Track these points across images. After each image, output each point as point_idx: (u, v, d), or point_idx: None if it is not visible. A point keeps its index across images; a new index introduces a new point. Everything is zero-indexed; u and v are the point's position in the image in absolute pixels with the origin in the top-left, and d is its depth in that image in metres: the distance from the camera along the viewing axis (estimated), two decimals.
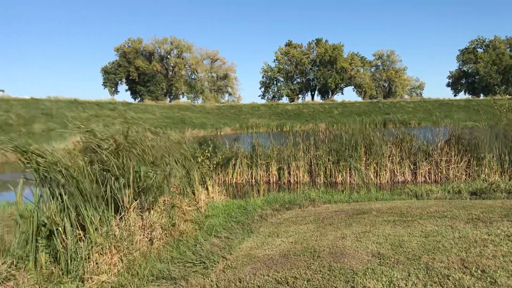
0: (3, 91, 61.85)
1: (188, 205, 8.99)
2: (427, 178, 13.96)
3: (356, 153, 14.24)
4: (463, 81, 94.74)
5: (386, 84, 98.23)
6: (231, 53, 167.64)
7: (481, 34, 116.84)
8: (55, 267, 5.60)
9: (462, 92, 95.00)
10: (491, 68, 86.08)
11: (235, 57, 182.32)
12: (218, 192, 11.18)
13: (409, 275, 4.64)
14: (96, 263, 5.68)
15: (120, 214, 6.87)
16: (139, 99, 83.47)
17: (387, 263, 5.04)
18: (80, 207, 6.08)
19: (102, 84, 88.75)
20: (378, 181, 14.08)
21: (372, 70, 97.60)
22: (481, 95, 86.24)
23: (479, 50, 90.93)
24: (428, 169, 14.03)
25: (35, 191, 6.19)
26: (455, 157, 13.78)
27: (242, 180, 15.36)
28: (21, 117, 41.85)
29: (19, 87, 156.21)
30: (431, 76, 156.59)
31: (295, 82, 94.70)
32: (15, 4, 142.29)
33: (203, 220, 8.35)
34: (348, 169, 14.28)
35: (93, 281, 5.35)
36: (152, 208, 7.40)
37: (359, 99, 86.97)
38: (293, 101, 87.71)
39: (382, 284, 4.47)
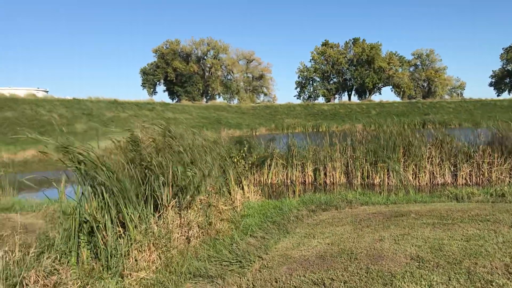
0: (46, 91, 64.21)
1: (224, 204, 9.07)
2: (468, 180, 13.55)
3: (394, 154, 13.98)
4: (507, 80, 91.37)
5: (425, 84, 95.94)
6: (267, 53, 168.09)
7: None
8: (96, 263, 5.75)
9: (506, 92, 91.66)
10: None
11: (271, 57, 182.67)
12: (254, 192, 11.21)
13: (449, 280, 4.52)
14: (135, 260, 5.80)
15: (159, 212, 7.00)
16: (176, 100, 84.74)
17: (427, 266, 4.94)
18: (121, 205, 6.23)
19: (141, 85, 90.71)
20: (417, 183, 13.78)
21: (411, 69, 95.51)
22: None
23: None
24: (469, 171, 13.62)
25: (77, 188, 6.39)
26: (498, 159, 13.31)
27: (277, 181, 15.34)
28: (64, 117, 43.24)
29: (62, 87, 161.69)
30: (472, 76, 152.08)
31: (331, 82, 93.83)
32: (58, 8, 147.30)
33: (239, 220, 8.39)
34: (386, 170, 14.04)
35: (132, 278, 5.47)
36: (190, 207, 7.51)
37: (397, 99, 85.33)
38: (329, 101, 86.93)
39: None
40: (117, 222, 6.22)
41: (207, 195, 8.28)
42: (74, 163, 6.22)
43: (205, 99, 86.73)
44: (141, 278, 5.45)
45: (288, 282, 4.87)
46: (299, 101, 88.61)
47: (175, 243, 6.62)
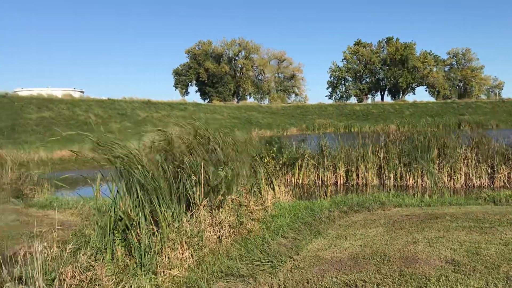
0: (82, 92, 65.93)
1: (255, 204, 9.08)
2: (506, 183, 13.13)
3: (429, 156, 13.68)
4: None
5: (461, 84, 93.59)
6: (298, 53, 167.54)
7: None
8: (129, 260, 5.86)
9: None
10: None
11: (302, 57, 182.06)
12: (285, 192, 11.19)
13: (487, 285, 4.40)
14: (168, 258, 5.88)
15: (191, 211, 7.08)
16: (208, 100, 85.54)
17: (463, 270, 4.82)
18: (154, 203, 6.33)
19: (174, 86, 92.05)
20: (452, 185, 13.45)
21: (446, 69, 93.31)
22: None
23: None
24: (508, 173, 13.19)
25: (111, 186, 6.53)
26: None
27: (308, 181, 15.27)
28: (99, 117, 44.27)
29: (97, 88, 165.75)
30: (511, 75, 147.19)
31: (364, 81, 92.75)
32: (94, 10, 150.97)
33: (269, 220, 8.40)
34: (420, 172, 13.77)
35: (165, 275, 5.54)
36: (221, 206, 7.56)
37: (432, 99, 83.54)
38: (361, 101, 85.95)
39: None
40: (150, 220, 6.31)
41: (238, 194, 8.32)
42: (111, 161, 6.34)
43: (236, 100, 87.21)
44: (173, 276, 5.52)
45: (320, 283, 4.84)
46: (330, 101, 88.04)
47: (207, 242, 6.67)
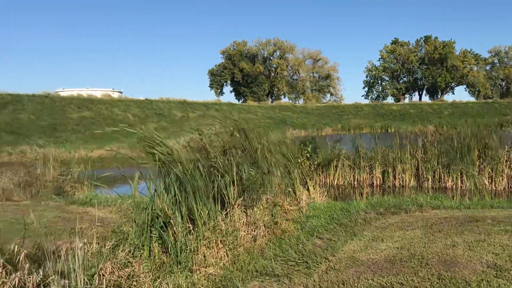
0: (121, 92, 67.46)
1: (290, 204, 9.06)
2: None
3: (469, 157, 13.28)
4: None
5: (503, 83, 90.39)
6: (334, 52, 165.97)
7: None
8: (166, 257, 5.95)
9: None
10: None
11: (338, 56, 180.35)
12: (320, 193, 11.11)
13: None
14: (204, 256, 5.95)
15: (226, 210, 7.13)
16: (242, 100, 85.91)
17: (505, 276, 4.65)
18: (191, 202, 6.40)
19: (209, 86, 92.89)
20: (493, 188, 13.01)
21: (487, 68, 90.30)
22: None
23: None
24: None
25: (149, 185, 6.65)
26: None
27: (343, 182, 15.10)
28: (137, 117, 45.18)
29: (135, 88, 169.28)
30: None
31: (401, 81, 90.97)
32: (130, 12, 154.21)
33: (304, 220, 8.36)
34: (459, 173, 13.39)
35: (200, 273, 5.60)
36: (256, 206, 7.58)
37: (472, 99, 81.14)
38: (399, 101, 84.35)
39: None
40: (186, 219, 6.39)
41: (273, 194, 8.31)
42: (152, 159, 6.46)
43: (270, 99, 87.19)
44: (209, 274, 5.57)
45: (356, 285, 4.78)
46: (367, 101, 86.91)
47: (242, 241, 6.71)
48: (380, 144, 15.59)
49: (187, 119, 48.46)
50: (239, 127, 8.36)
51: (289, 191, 9.55)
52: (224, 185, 7.20)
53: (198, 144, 7.81)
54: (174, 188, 6.39)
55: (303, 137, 16.47)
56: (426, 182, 13.98)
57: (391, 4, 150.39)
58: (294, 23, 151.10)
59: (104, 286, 4.74)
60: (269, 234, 7.29)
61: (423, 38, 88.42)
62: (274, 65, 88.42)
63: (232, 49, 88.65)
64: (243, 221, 7.12)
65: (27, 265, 4.51)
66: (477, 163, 13.32)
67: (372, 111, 68.46)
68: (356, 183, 15.02)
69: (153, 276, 5.31)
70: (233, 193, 7.30)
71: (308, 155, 12.21)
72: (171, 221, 6.22)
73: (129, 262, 5.44)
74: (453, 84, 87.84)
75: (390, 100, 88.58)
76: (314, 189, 11.00)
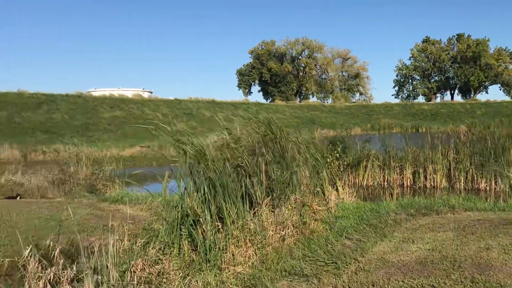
0: (151, 92, 68.47)
1: (318, 204, 9.01)
2: None
3: (503, 158, 12.91)
4: None
5: None
6: (363, 51, 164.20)
7: None
8: (195, 255, 6.02)
9: None
10: None
11: (367, 55, 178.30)
12: (349, 193, 11.01)
13: None
14: (233, 255, 5.98)
15: (254, 209, 7.15)
16: (270, 100, 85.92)
17: None
18: (220, 200, 6.45)
19: (237, 86, 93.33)
20: None
21: None
22: None
23: None
24: None
25: (179, 183, 6.74)
26: None
27: (373, 183, 14.93)
28: (167, 116, 45.76)
29: (165, 88, 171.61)
30: None
31: (432, 80, 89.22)
32: (159, 13, 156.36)
33: (333, 221, 8.30)
34: (493, 175, 13.03)
35: (229, 271, 5.64)
36: (284, 206, 7.58)
37: (507, 98, 78.79)
38: (430, 100, 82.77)
39: None
40: (215, 217, 6.44)
41: (301, 194, 8.29)
42: (183, 157, 6.53)
43: (298, 99, 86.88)
44: (237, 272, 5.60)
45: (386, 286, 4.72)
46: (397, 101, 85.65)
47: (270, 241, 6.72)
48: (410, 144, 15.34)
49: (215, 119, 48.79)
50: (267, 126, 8.36)
51: (318, 191, 9.50)
52: (252, 184, 7.22)
53: (226, 143, 7.85)
54: (204, 187, 6.45)
55: (332, 137, 16.32)
56: (458, 183, 13.67)
57: (421, 2, 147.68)
58: (323, 22, 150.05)
59: (135, 282, 4.83)
60: (297, 234, 7.27)
61: (456, 36, 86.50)
62: (303, 65, 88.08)
63: (260, 48, 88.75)
64: (271, 221, 7.12)
65: (62, 260, 4.65)
66: None
67: (403, 111, 67.42)
68: (386, 183, 14.82)
69: (182, 273, 5.38)
70: (261, 192, 7.32)
71: (337, 155, 12.11)
72: (201, 219, 6.29)
73: (159, 259, 5.52)
74: (486, 83, 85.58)
75: (421, 99, 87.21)
76: (343, 189, 10.91)
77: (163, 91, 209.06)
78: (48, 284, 4.38)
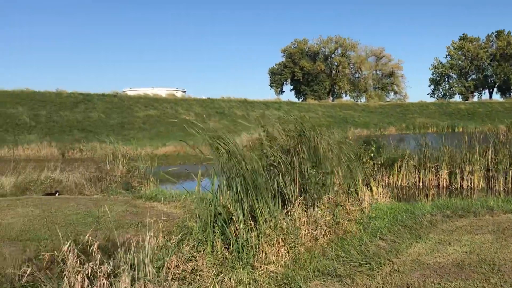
0: (184, 91, 69.33)
1: (352, 205, 8.93)
2: None
3: None
4: None
5: None
6: (398, 50, 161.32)
7: None
8: (228, 253, 6.06)
9: None
10: None
11: (402, 53, 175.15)
12: (383, 193, 10.87)
13: None
14: (265, 253, 5.99)
15: (286, 208, 7.14)
16: (302, 99, 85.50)
17: None
18: (252, 199, 6.47)
19: (269, 85, 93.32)
20: None
21: None
22: None
23: None
24: None
25: (212, 181, 6.80)
26: None
27: (408, 183, 14.67)
28: (199, 115, 46.25)
29: (198, 88, 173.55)
30: None
31: (469, 78, 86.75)
32: (191, 13, 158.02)
33: (367, 221, 8.22)
34: None
35: (262, 270, 5.65)
36: (317, 205, 7.54)
37: None
38: (467, 99, 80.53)
39: None
40: (248, 216, 6.47)
41: (334, 194, 8.23)
42: (217, 155, 6.58)
43: (331, 98, 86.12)
44: (270, 271, 5.61)
45: None
46: (433, 99, 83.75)
47: (303, 240, 6.70)
48: (446, 144, 14.99)
49: (248, 118, 48.95)
50: (301, 126, 8.33)
51: (352, 191, 9.41)
52: (285, 183, 7.22)
53: (260, 142, 7.87)
54: (236, 185, 6.48)
55: (366, 137, 16.13)
56: (497, 184, 13.28)
57: None
58: (357, 20, 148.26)
59: (170, 279, 4.91)
60: (330, 234, 7.22)
61: (495, 33, 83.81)
62: (336, 63, 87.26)
63: (293, 47, 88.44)
64: (304, 220, 7.10)
65: (99, 255, 4.76)
66: None
67: (438, 110, 65.90)
68: (421, 184, 14.54)
69: (216, 271, 5.42)
70: (294, 191, 7.31)
71: (371, 154, 11.96)
72: (233, 217, 6.32)
73: (193, 256, 5.58)
74: None
75: (457, 98, 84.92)
76: (377, 189, 10.78)
77: (196, 91, 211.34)
78: (86, 278, 4.49)
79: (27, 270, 4.68)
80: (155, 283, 4.59)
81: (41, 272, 4.76)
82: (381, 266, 5.45)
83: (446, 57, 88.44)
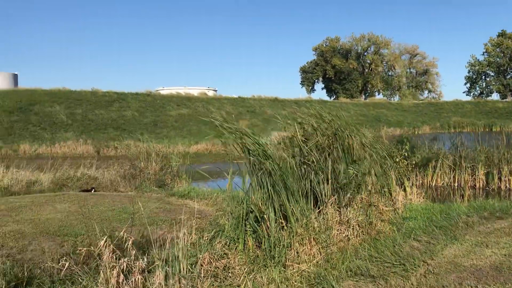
0: (215, 90, 69.81)
1: (385, 205, 8.80)
2: None
3: None
4: None
5: None
6: (432, 47, 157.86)
7: None
8: (260, 251, 6.07)
9: None
10: None
11: (437, 51, 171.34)
12: (417, 194, 10.68)
13: None
14: (297, 252, 5.98)
15: (319, 208, 7.10)
16: (334, 97, 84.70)
17: None
18: (283, 198, 6.47)
19: (300, 83, 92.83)
20: None
21: None
22: None
23: None
24: None
25: (243, 180, 6.83)
26: None
27: (442, 183, 14.35)
28: (230, 114, 46.48)
29: (229, 87, 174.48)
30: None
31: (508, 76, 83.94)
32: (222, 13, 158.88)
33: (400, 222, 8.09)
34: None
35: (293, 269, 5.64)
36: (350, 205, 7.47)
37: None
38: (505, 98, 78.04)
39: None
40: (279, 214, 6.46)
41: (367, 194, 8.13)
42: (247, 154, 6.61)
43: (363, 96, 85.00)
44: (302, 270, 5.59)
45: None
46: (468, 98, 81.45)
47: (335, 240, 6.65)
48: (483, 143, 14.58)
49: (279, 117, 48.88)
50: (336, 124, 8.26)
51: (385, 191, 9.28)
52: (318, 182, 7.18)
53: (292, 140, 7.86)
54: (267, 184, 6.48)
55: (400, 136, 15.85)
56: None
57: None
58: (390, 17, 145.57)
59: (202, 275, 4.97)
60: (363, 234, 7.14)
61: None
62: (368, 61, 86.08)
63: (324, 45, 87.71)
64: (336, 220, 7.04)
65: (134, 251, 4.86)
66: None
67: (475, 109, 64.13)
68: (456, 184, 14.19)
69: (248, 268, 5.44)
70: (327, 191, 7.26)
71: (405, 154, 11.75)
72: (265, 216, 6.33)
73: (225, 253, 5.62)
74: None
75: (495, 97, 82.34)
76: (411, 189, 10.60)
77: (227, 90, 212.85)
78: (121, 273, 4.59)
79: (65, 264, 4.82)
80: (188, 279, 4.65)
81: (78, 266, 4.89)
82: (415, 268, 5.36)
83: (483, 54, 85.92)
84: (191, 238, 5.74)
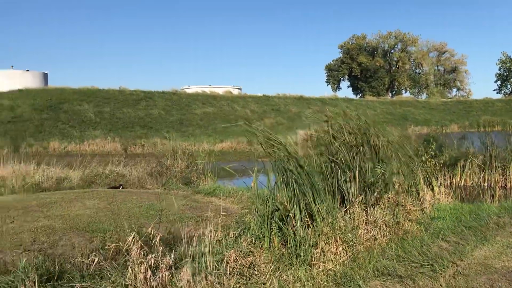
0: (240, 89, 69.99)
1: (413, 204, 8.68)
2: None
3: None
4: None
5: None
6: (461, 44, 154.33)
7: None
8: (285, 250, 6.08)
9: None
10: None
11: (466, 48, 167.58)
12: (445, 193, 10.50)
13: None
14: (323, 251, 5.95)
15: (345, 207, 7.06)
16: (360, 95, 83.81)
17: None
18: (308, 197, 6.45)
19: (325, 81, 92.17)
20: None
21: None
22: None
23: None
24: None
25: (268, 178, 6.83)
26: None
27: (471, 183, 14.06)
28: (255, 112, 46.56)
29: (253, 85, 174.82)
30: None
31: None
32: (248, 13, 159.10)
33: (428, 222, 7.98)
34: None
35: (319, 268, 5.63)
36: (377, 204, 7.40)
37: None
38: None
39: None
40: (305, 213, 6.45)
41: (394, 193, 8.04)
42: (272, 153, 6.62)
43: (390, 94, 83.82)
44: (328, 269, 5.57)
45: None
46: (499, 96, 79.37)
47: (361, 239, 6.60)
48: None
49: (304, 115, 48.69)
50: (364, 123, 8.19)
51: (413, 191, 9.15)
52: (345, 181, 7.13)
53: (318, 139, 7.83)
54: (293, 183, 6.47)
55: (427, 134, 15.60)
56: None
57: None
58: (418, 14, 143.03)
59: (228, 272, 5.00)
60: (390, 234, 7.07)
61: None
62: (395, 59, 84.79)
63: (350, 43, 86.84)
64: (363, 219, 6.99)
65: (161, 248, 4.93)
66: None
67: (505, 107, 62.44)
68: (486, 184, 13.88)
69: (273, 267, 5.46)
70: (354, 190, 7.21)
71: (433, 153, 11.56)
72: (290, 214, 6.33)
73: (250, 251, 5.65)
74: None
75: None
76: (439, 189, 10.43)
77: (252, 88, 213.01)
78: (149, 269, 4.66)
79: (94, 260, 4.93)
80: (215, 276, 4.69)
81: (106, 261, 4.98)
82: (444, 268, 5.28)
83: None
84: (217, 236, 5.79)
